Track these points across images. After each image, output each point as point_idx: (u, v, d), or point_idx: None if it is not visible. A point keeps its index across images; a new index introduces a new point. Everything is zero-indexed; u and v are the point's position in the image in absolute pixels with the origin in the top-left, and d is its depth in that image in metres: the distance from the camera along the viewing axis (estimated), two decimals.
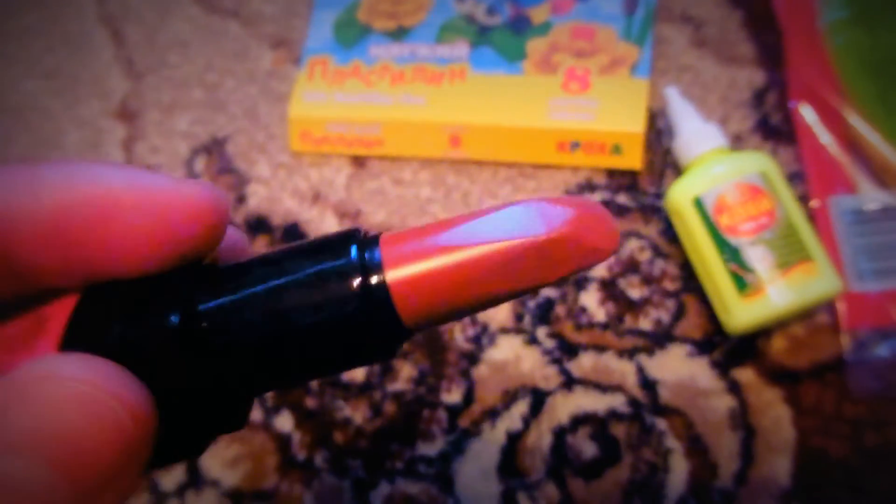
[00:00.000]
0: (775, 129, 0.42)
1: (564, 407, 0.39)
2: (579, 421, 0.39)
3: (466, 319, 0.41)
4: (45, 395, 0.14)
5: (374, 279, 0.16)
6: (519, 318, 0.41)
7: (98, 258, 0.17)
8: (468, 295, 0.16)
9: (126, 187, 0.17)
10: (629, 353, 0.40)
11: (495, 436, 0.39)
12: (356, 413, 0.41)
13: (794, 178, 0.41)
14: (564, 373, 0.40)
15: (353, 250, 0.17)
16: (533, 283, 0.16)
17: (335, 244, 0.17)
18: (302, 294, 0.16)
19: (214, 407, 0.17)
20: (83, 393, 0.14)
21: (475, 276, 0.16)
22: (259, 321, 0.16)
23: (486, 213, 0.17)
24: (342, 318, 0.16)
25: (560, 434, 0.39)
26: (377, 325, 0.16)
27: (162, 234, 0.17)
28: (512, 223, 0.16)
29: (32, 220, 0.16)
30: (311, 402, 0.42)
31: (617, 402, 0.39)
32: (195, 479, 0.42)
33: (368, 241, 0.17)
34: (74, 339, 0.16)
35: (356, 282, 0.16)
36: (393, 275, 0.16)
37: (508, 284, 0.16)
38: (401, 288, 0.16)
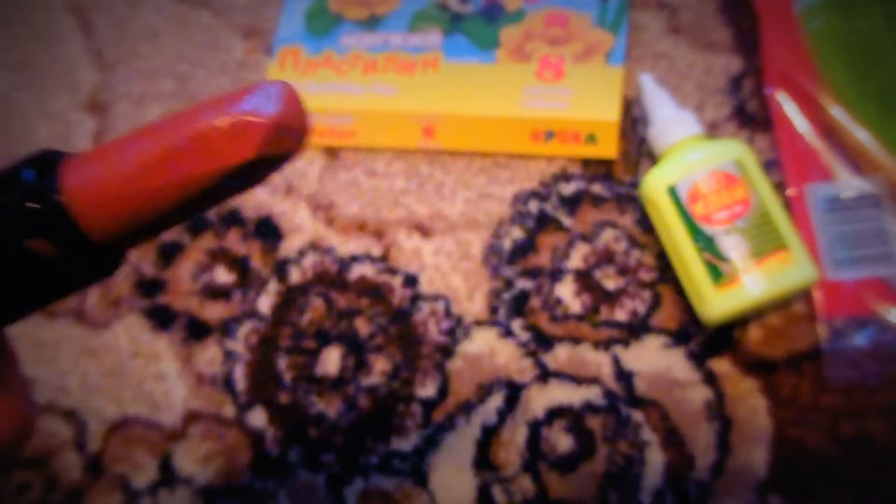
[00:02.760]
0: (752, 117, 0.42)
1: (540, 400, 0.39)
2: (554, 414, 0.39)
3: (441, 313, 0.41)
4: None
5: (53, 197, 0.16)
6: (494, 310, 0.41)
7: None
8: (150, 190, 0.16)
9: None
10: (605, 345, 0.39)
11: (470, 430, 0.39)
12: (330, 408, 0.41)
13: (771, 165, 0.40)
14: (540, 365, 0.39)
15: (26, 172, 0.17)
16: (211, 166, 0.16)
17: (10, 169, 0.17)
18: None
19: None
20: None
21: (153, 168, 0.16)
22: None
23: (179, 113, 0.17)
24: (20, 236, 0.16)
25: (535, 427, 0.38)
26: (62, 240, 0.16)
27: None
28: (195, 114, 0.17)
29: None
30: (284, 398, 0.41)
31: (592, 394, 0.38)
32: (168, 477, 0.42)
33: (48, 160, 0.17)
34: None
35: (29, 202, 0.16)
36: (71, 185, 0.16)
37: (185, 172, 0.16)
38: (79, 196, 0.16)
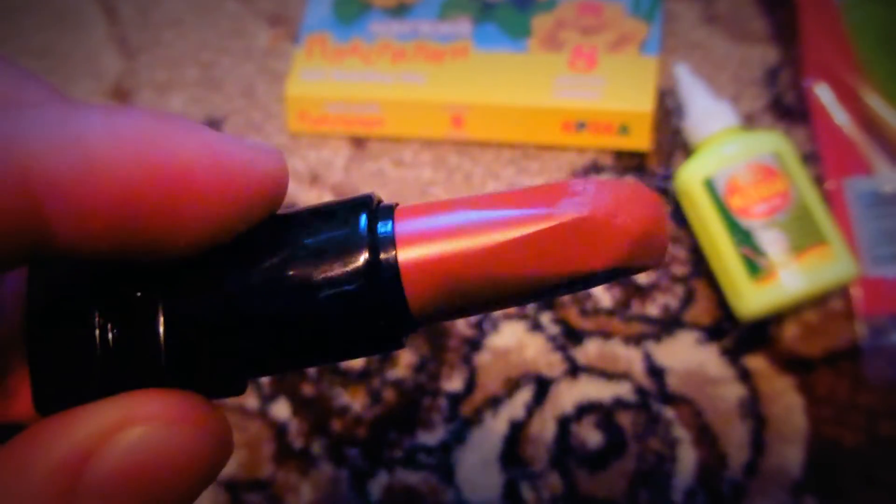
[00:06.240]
0: (788, 109, 0.41)
1: (569, 395, 0.38)
2: (584, 409, 0.38)
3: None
4: (128, 443, 0.14)
5: (383, 255, 0.14)
6: None
7: (150, 236, 0.14)
8: (488, 280, 0.14)
9: (201, 158, 0.14)
10: (636, 340, 0.38)
11: (497, 424, 0.38)
12: (355, 400, 0.40)
13: (808, 159, 0.39)
14: (569, 360, 0.39)
15: (363, 220, 0.15)
16: (562, 269, 0.14)
17: (343, 211, 0.15)
18: (298, 268, 0.15)
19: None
20: (175, 436, 0.14)
21: (498, 259, 0.14)
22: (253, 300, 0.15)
23: (520, 191, 0.15)
24: (343, 297, 0.14)
25: (564, 423, 0.38)
26: (382, 308, 0.15)
27: (231, 211, 0.15)
28: (543, 200, 0.14)
29: (83, 183, 0.13)
30: (308, 390, 0.41)
31: (623, 390, 0.38)
32: None
33: (381, 211, 0.15)
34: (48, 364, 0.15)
35: (363, 257, 0.14)
36: (406, 253, 0.14)
37: (533, 270, 0.14)
38: (413, 267, 0.14)
